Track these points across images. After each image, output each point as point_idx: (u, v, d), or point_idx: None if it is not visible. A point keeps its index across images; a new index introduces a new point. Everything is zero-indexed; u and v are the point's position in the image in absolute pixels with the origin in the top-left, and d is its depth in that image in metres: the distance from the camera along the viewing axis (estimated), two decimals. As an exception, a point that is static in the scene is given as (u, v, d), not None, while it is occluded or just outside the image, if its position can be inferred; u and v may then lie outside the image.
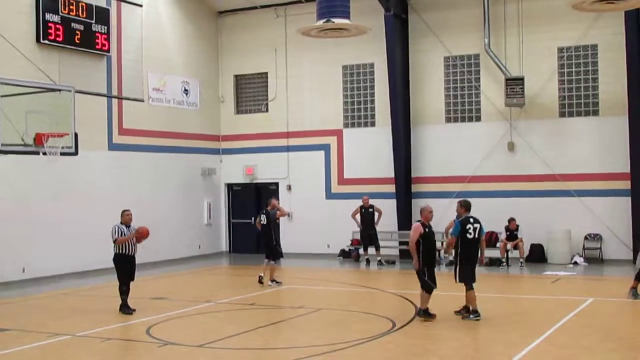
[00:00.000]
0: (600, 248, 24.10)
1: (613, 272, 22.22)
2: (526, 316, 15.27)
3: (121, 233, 16.09)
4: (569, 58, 24.70)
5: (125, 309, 16.02)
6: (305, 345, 12.66)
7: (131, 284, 16.34)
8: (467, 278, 14.75)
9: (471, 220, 14.78)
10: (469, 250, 14.79)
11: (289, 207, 28.34)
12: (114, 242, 16.13)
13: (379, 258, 24.46)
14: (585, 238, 24.27)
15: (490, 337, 13.45)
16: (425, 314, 14.67)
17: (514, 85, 24.48)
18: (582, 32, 24.33)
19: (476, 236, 14.72)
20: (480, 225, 14.80)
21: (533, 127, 25.09)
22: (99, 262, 22.22)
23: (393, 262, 24.73)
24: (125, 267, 16.20)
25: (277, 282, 20.06)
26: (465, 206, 15.02)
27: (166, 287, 20.44)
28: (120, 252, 16.18)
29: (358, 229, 25.16)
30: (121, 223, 16.27)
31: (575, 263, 23.69)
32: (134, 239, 16.26)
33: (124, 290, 16.15)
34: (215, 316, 16.00)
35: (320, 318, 15.56)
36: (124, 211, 16.48)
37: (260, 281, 20.04)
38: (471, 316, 14.62)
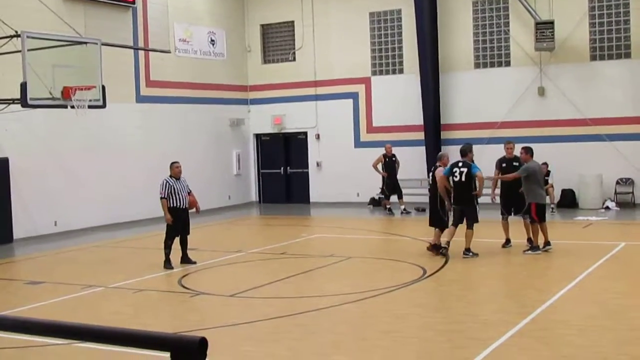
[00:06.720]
0: (632, 192, 23.87)
1: (645, 217, 22.11)
2: (558, 261, 15.21)
3: (170, 188, 15.47)
4: (600, 0, 24.25)
5: (168, 264, 15.50)
6: (336, 294, 12.68)
7: (188, 237, 15.99)
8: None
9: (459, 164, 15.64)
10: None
11: (317, 156, 28.35)
12: (160, 199, 15.59)
13: (402, 206, 24.22)
14: (617, 183, 24.04)
15: (522, 283, 13.44)
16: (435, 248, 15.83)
17: (544, 29, 24.11)
18: (613, -28, 23.87)
19: (462, 179, 15.52)
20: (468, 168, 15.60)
21: (563, 72, 24.73)
22: (129, 214, 22.43)
23: (423, 210, 24.54)
24: (176, 221, 15.59)
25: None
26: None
27: (197, 238, 20.43)
28: (172, 205, 15.51)
29: (382, 178, 24.68)
30: (170, 176, 15.68)
31: (607, 208, 23.50)
32: (187, 195, 15.70)
33: (169, 245, 15.58)
34: (246, 266, 16.10)
35: (350, 266, 15.61)
36: (173, 163, 15.86)
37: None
38: (470, 254, 15.42)
